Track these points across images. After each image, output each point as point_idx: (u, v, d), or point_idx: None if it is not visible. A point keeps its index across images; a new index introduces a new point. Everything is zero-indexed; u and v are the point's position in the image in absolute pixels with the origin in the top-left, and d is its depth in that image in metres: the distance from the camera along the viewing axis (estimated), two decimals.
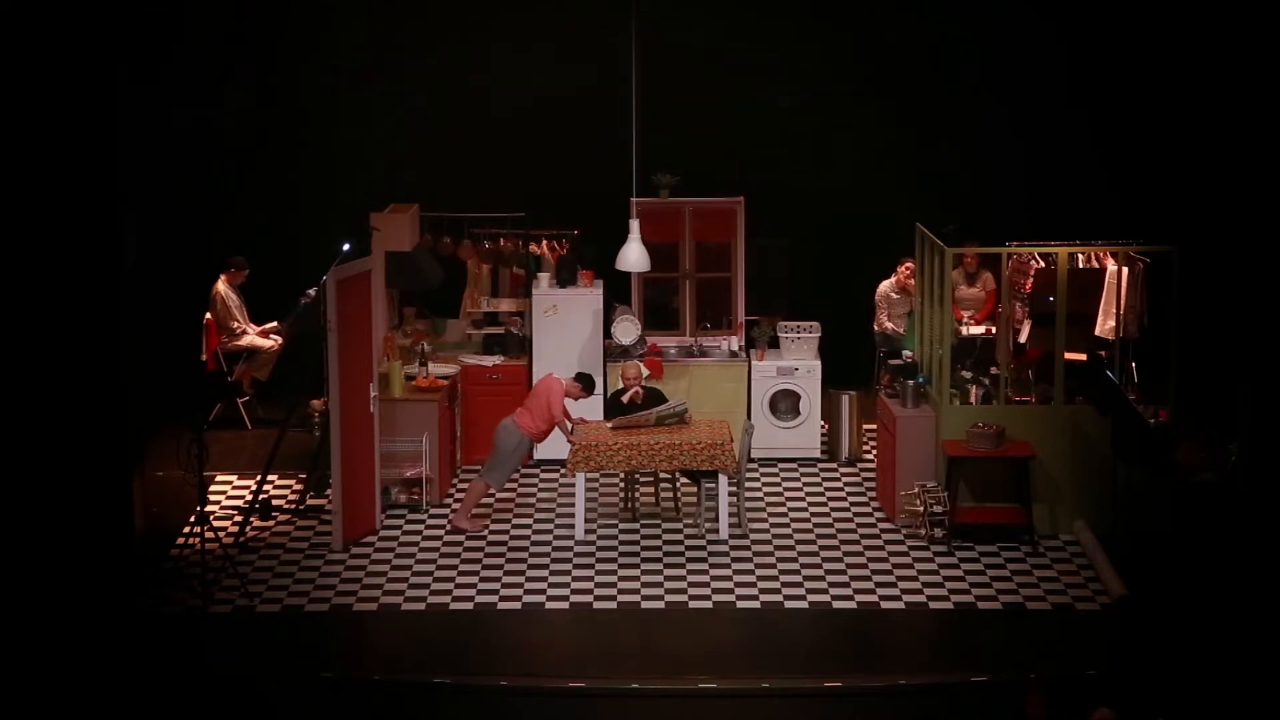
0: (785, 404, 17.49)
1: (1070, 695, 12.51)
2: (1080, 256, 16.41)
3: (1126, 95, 18.54)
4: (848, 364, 18.03)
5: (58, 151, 13.85)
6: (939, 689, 13.02)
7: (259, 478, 16.54)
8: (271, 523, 15.99)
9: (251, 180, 19.06)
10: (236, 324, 18.36)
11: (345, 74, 18.98)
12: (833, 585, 14.70)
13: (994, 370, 16.02)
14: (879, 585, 14.68)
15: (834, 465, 17.49)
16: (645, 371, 16.74)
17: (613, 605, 14.39)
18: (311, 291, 16.89)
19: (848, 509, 16.38)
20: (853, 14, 18.94)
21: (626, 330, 17.48)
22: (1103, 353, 15.97)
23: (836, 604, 14.38)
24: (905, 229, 17.02)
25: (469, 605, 14.37)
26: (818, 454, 17.59)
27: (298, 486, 16.74)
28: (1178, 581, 14.32)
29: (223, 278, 18.40)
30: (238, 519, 15.85)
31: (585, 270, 17.66)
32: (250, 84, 19.08)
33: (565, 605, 14.38)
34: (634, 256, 16.47)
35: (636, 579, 14.83)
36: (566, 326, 17.38)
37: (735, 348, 17.85)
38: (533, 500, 16.60)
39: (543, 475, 17.17)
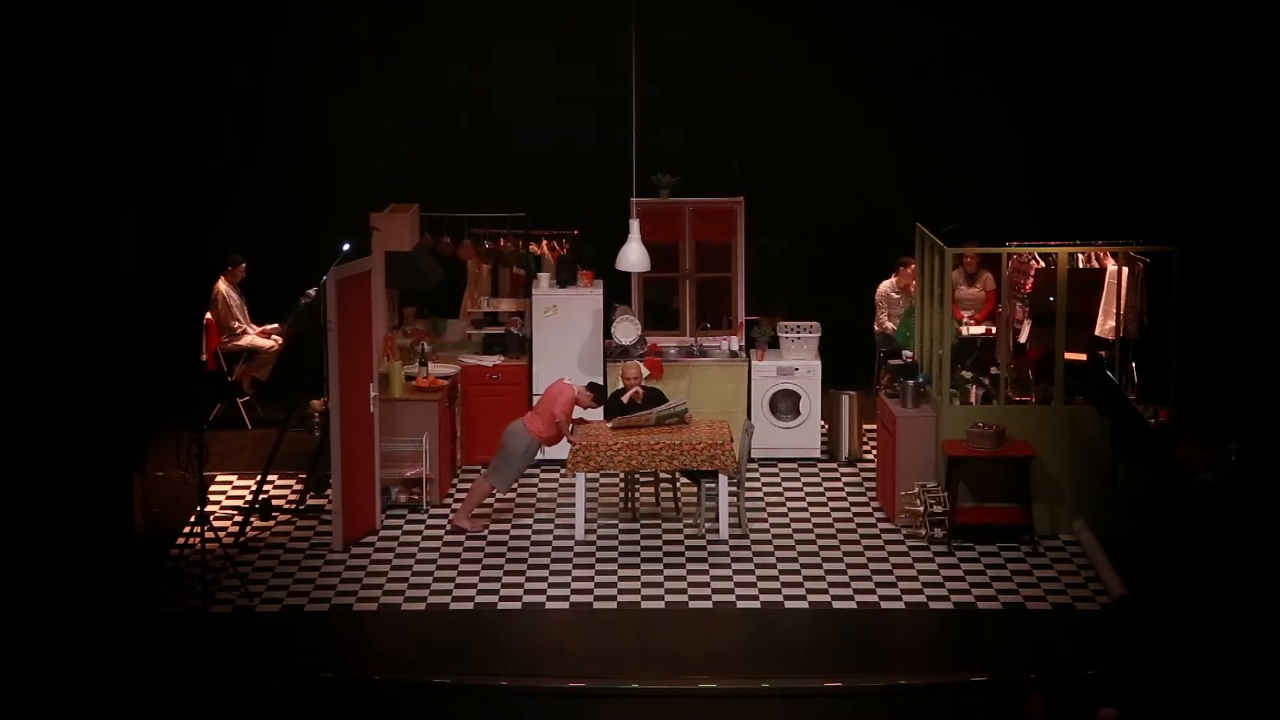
0: (785, 404, 17.49)
1: (1070, 695, 12.52)
2: (1080, 256, 16.42)
3: (1126, 95, 18.54)
4: (848, 364, 18.03)
5: (58, 151, 13.85)
6: (939, 689, 13.02)
7: (259, 478, 16.54)
8: (271, 523, 15.99)
9: (251, 180, 19.06)
10: (237, 323, 18.36)
11: (345, 74, 18.98)
12: (833, 585, 14.70)
13: (994, 370, 16.02)
14: (879, 585, 14.69)
15: (834, 465, 17.49)
16: (645, 371, 16.74)
17: (613, 605, 14.39)
18: (311, 291, 16.90)
19: (848, 509, 16.38)
20: (853, 14, 18.94)
21: (626, 330, 17.48)
22: (1103, 353, 15.97)
23: (836, 604, 14.38)
24: (905, 229, 17.03)
25: (469, 605, 14.37)
26: (818, 454, 17.59)
27: (298, 486, 16.74)
28: (1178, 581, 14.32)
29: (223, 277, 18.41)
30: (238, 519, 15.86)
31: (585, 270, 17.66)
32: (250, 83, 19.08)
33: (565, 605, 14.38)
34: (634, 256, 16.47)
35: (636, 579, 14.83)
36: (566, 326, 17.38)
37: (735, 348, 17.85)
38: (533, 500, 16.60)
39: (543, 475, 17.17)
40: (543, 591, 14.61)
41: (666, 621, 14.15)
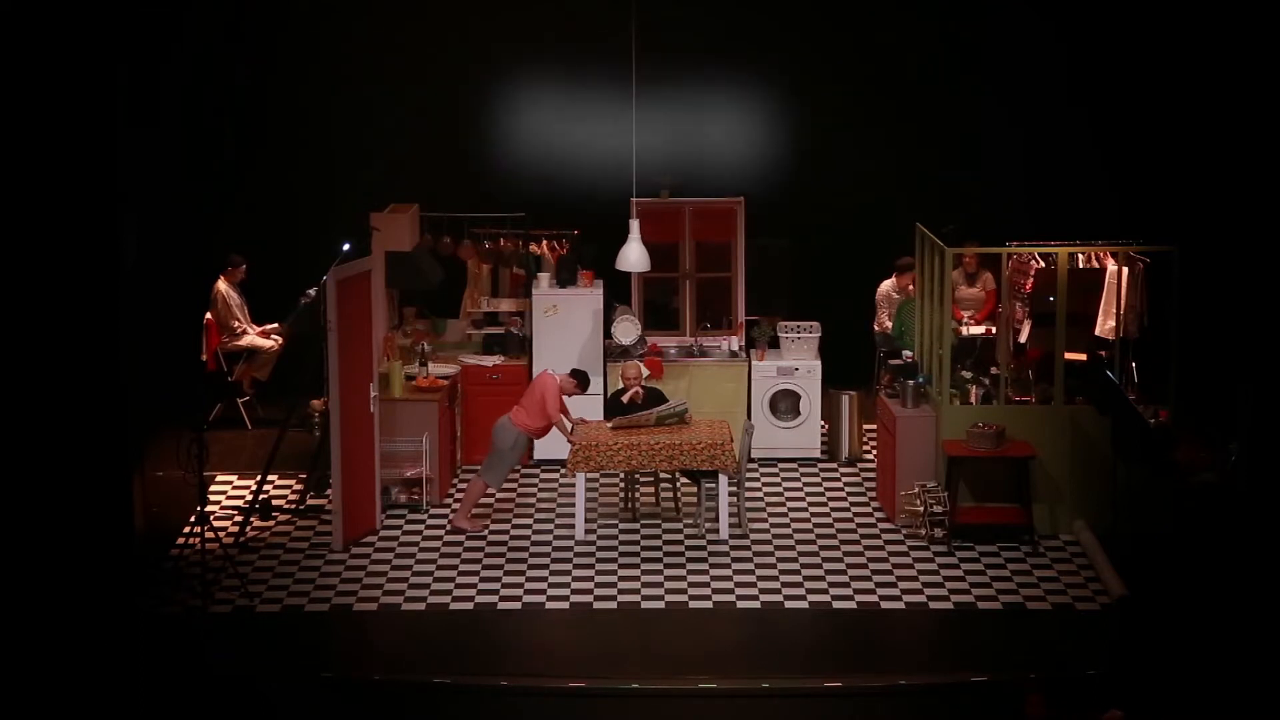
0: (785, 404, 17.49)
1: (1070, 695, 12.52)
2: (1080, 256, 16.42)
3: (1126, 95, 18.54)
4: (848, 364, 18.03)
5: (58, 152, 13.85)
6: (939, 689, 13.02)
7: (259, 478, 16.54)
8: (271, 523, 15.99)
9: (251, 180, 19.06)
10: (237, 323, 18.37)
11: (345, 74, 18.98)
12: (833, 585, 14.70)
13: (994, 370, 16.02)
14: (879, 585, 14.69)
15: (834, 465, 17.49)
16: (645, 371, 16.74)
17: (613, 605, 14.39)
18: (311, 291, 16.90)
19: (848, 509, 16.38)
20: (853, 14, 18.94)
21: (626, 330, 17.48)
22: (1103, 353, 15.97)
23: (836, 604, 14.38)
24: (905, 229, 17.03)
25: (469, 605, 14.38)
26: (818, 454, 17.59)
27: (298, 486, 16.74)
28: (1178, 581, 14.32)
29: (223, 277, 18.41)
30: (238, 519, 15.86)
31: (585, 270, 17.66)
32: (250, 83, 19.08)
33: (565, 605, 14.38)
34: (634, 256, 16.47)
35: (636, 579, 14.83)
36: (566, 326, 17.38)
37: (735, 348, 17.85)
38: (533, 500, 16.60)
39: (543, 475, 17.17)
40: (543, 591, 14.61)
41: (666, 621, 14.15)
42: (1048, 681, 12.56)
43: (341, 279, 15.27)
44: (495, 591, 14.61)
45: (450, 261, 18.07)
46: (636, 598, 14.49)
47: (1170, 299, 15.56)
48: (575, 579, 14.84)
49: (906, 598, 14.45)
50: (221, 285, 18.37)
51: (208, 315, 18.41)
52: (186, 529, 14.90)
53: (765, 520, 16.08)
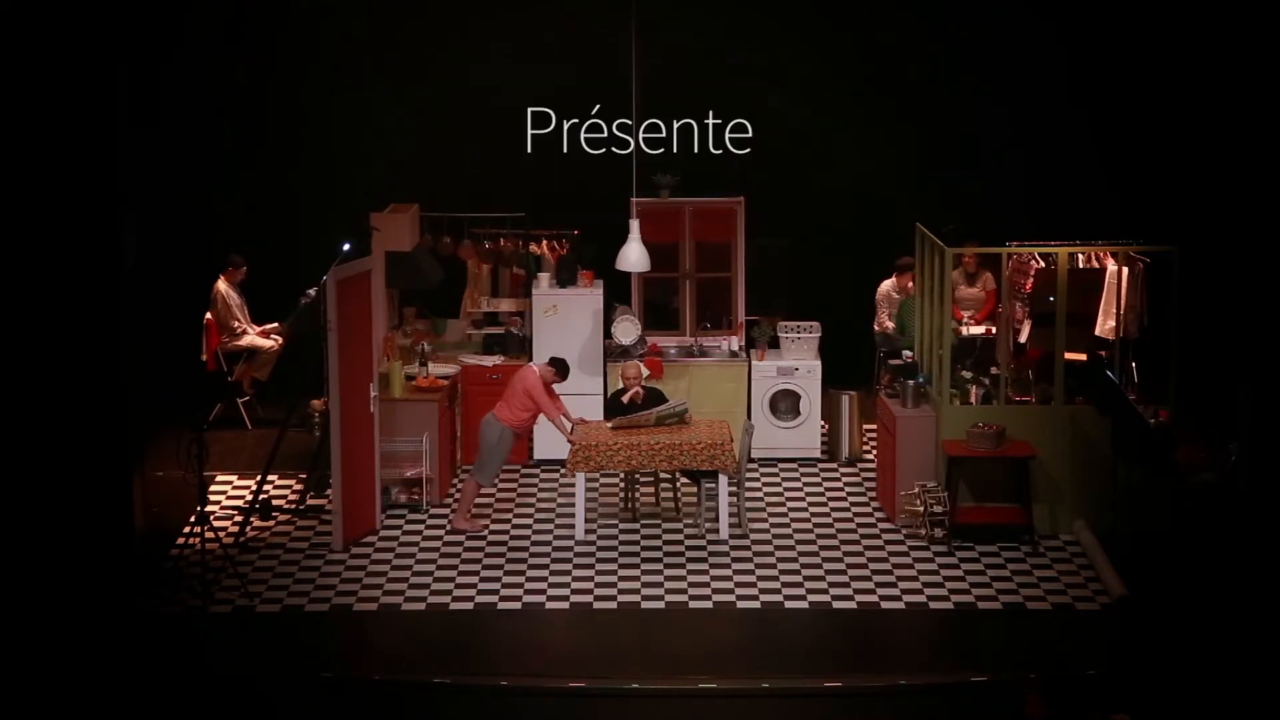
0: (785, 404, 17.49)
1: (1070, 695, 12.51)
2: (1080, 256, 16.42)
3: (1126, 95, 18.54)
4: (848, 364, 18.03)
5: (58, 152, 13.85)
6: (939, 689, 13.02)
7: (259, 478, 16.54)
8: (271, 523, 15.99)
9: (251, 180, 19.06)
10: (237, 323, 18.37)
11: (345, 74, 18.98)
12: (833, 585, 14.70)
13: (994, 370, 16.02)
14: (879, 585, 14.69)
15: (834, 465, 17.49)
16: (645, 371, 16.74)
17: (613, 605, 14.39)
18: (311, 291, 16.90)
19: (848, 509, 16.38)
20: (852, 14, 18.94)
21: (626, 330, 17.48)
22: (1103, 353, 15.97)
23: (836, 604, 14.38)
24: (905, 229, 17.03)
25: (469, 605, 14.37)
26: (818, 454, 17.59)
27: (298, 486, 16.74)
28: (1178, 581, 14.32)
29: (223, 277, 18.41)
30: (238, 519, 15.86)
31: (585, 270, 17.66)
32: (250, 83, 19.08)
33: (565, 605, 14.38)
34: (634, 256, 16.48)
35: (636, 579, 14.83)
36: (566, 326, 17.38)
37: (735, 348, 17.85)
38: (533, 500, 16.61)
39: (543, 475, 17.17)
40: (543, 591, 14.61)
41: (666, 621, 14.15)
42: (1047, 681, 12.56)
43: (341, 279, 15.27)
44: (495, 591, 14.61)
45: (450, 261, 18.07)
46: (636, 598, 14.49)
47: (1170, 299, 15.56)
48: (575, 579, 14.84)
49: (906, 598, 14.45)
50: (221, 285, 18.38)
51: (208, 315, 18.41)
52: (186, 529, 14.90)
53: (765, 520, 16.08)
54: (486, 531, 15.81)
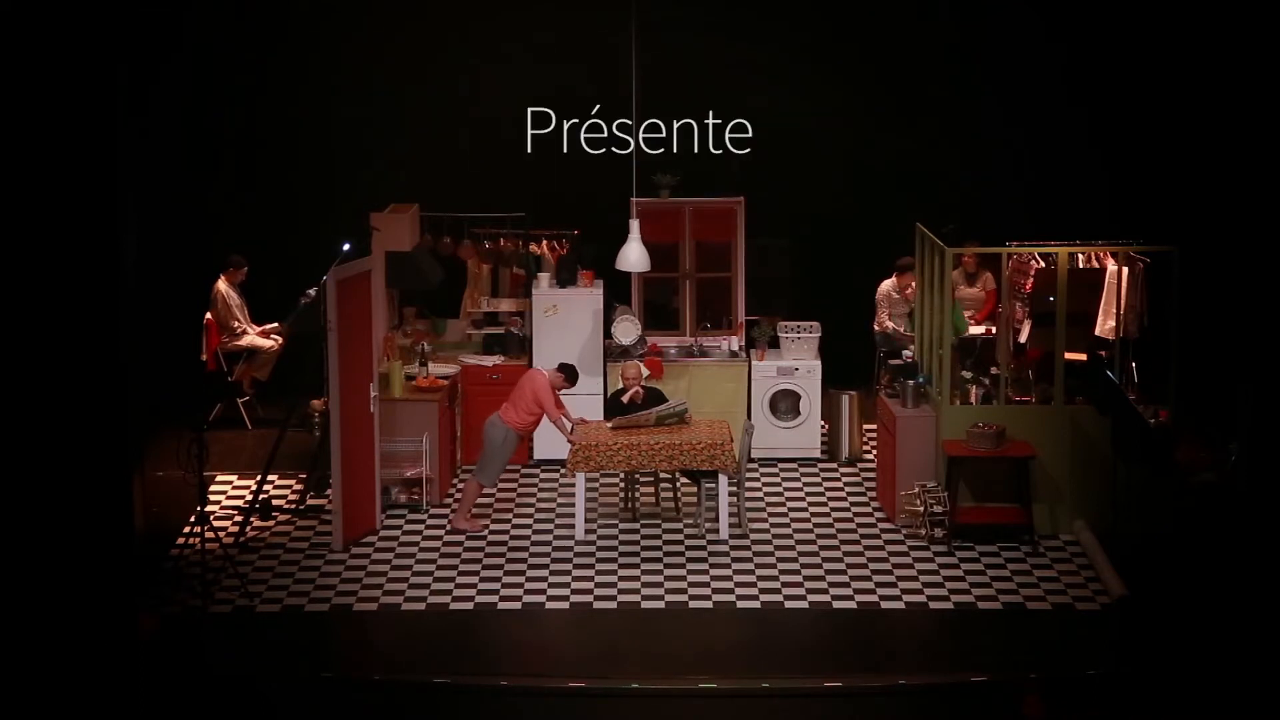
0: (785, 404, 17.50)
1: (1070, 695, 12.52)
2: (1080, 256, 16.42)
3: (1126, 95, 18.54)
4: (848, 364, 18.03)
5: (58, 152, 13.84)
6: (939, 689, 13.02)
7: (259, 478, 16.55)
8: (271, 523, 15.99)
9: (251, 180, 19.07)
10: (237, 323, 18.37)
11: (345, 74, 18.98)
12: (833, 585, 14.70)
13: (994, 370, 16.02)
14: (879, 585, 14.69)
15: (834, 465, 17.49)
16: (645, 371, 16.74)
17: (613, 605, 14.39)
18: (311, 291, 16.89)
19: (848, 509, 16.39)
20: (853, 14, 18.94)
21: (626, 330, 17.49)
22: (1103, 353, 15.97)
23: (836, 604, 14.38)
24: (905, 229, 17.03)
25: (469, 605, 14.38)
26: (818, 454, 17.60)
27: (298, 486, 16.74)
28: (1178, 581, 14.33)
29: (223, 277, 18.42)
30: (238, 519, 15.86)
31: (585, 270, 17.66)
32: (250, 84, 19.08)
33: (565, 605, 14.38)
34: (634, 256, 16.48)
35: (636, 579, 14.83)
36: (566, 326, 17.38)
37: (735, 348, 17.85)
38: (533, 500, 16.61)
39: (543, 475, 17.17)
40: (543, 591, 14.61)
41: (666, 621, 14.15)
42: (1048, 681, 12.56)
43: (341, 279, 15.27)
44: (495, 591, 14.61)
45: (450, 261, 18.07)
46: (636, 598, 14.49)
47: (1170, 299, 15.56)
48: (575, 579, 14.84)
49: (906, 598, 14.45)
50: (221, 285, 18.38)
51: (208, 315, 18.41)
52: (186, 529, 14.90)
53: (765, 520, 16.08)
54: (486, 531, 15.82)
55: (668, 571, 15.00)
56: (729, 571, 14.99)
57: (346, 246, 15.84)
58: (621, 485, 16.45)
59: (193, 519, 14.47)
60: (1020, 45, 18.78)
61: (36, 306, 13.88)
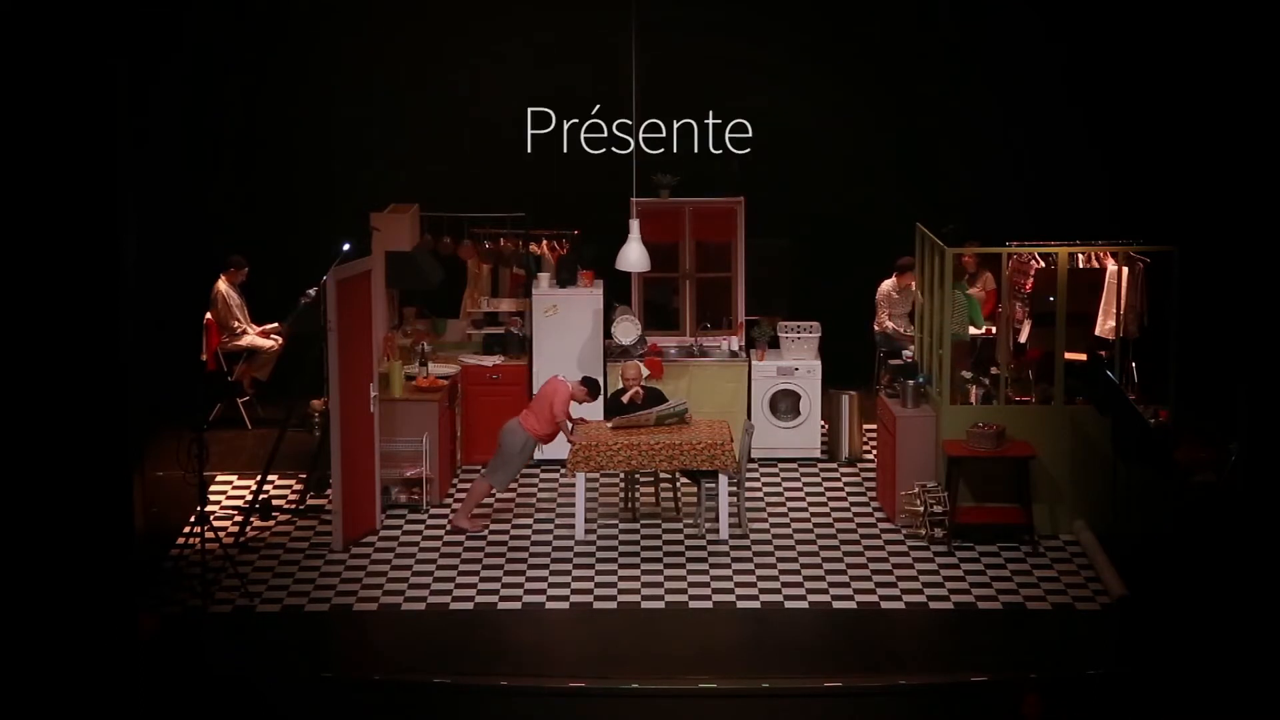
0: (785, 404, 17.50)
1: (1070, 695, 12.52)
2: (1080, 256, 16.42)
3: (1126, 95, 18.55)
4: (848, 364, 18.03)
5: (58, 151, 13.85)
6: (939, 689, 13.02)
7: (259, 478, 16.55)
8: (271, 523, 15.99)
9: (251, 180, 19.07)
10: (237, 323, 18.37)
11: (345, 74, 18.99)
12: (833, 585, 14.70)
13: (994, 370, 16.02)
14: (879, 585, 14.69)
15: (834, 465, 17.49)
16: (645, 371, 16.74)
17: (613, 605, 14.39)
18: (311, 291, 16.89)
19: (848, 509, 16.39)
20: (853, 14, 18.94)
21: (626, 330, 17.49)
22: (1103, 353, 15.97)
23: (836, 604, 14.38)
24: (905, 229, 17.03)
25: (469, 605, 14.38)
26: (818, 454, 17.60)
27: (298, 486, 16.74)
28: (1178, 581, 14.33)
29: (223, 277, 18.42)
30: (238, 519, 15.86)
31: (585, 270, 17.66)
32: (250, 83, 19.09)
33: (565, 605, 14.38)
34: (634, 256, 16.48)
35: (636, 579, 14.83)
36: (566, 326, 17.38)
37: (735, 348, 17.85)
38: (533, 500, 16.61)
39: (543, 475, 17.17)
40: (543, 591, 14.61)
41: (666, 621, 14.15)
42: (1047, 682, 12.56)
43: (341, 279, 15.27)
44: (495, 591, 14.61)
45: (450, 261, 18.07)
46: (636, 598, 14.49)
47: (1170, 299, 15.56)
48: (575, 579, 14.84)
49: (906, 598, 14.45)
50: (221, 285, 18.38)
51: (208, 315, 18.42)
52: (186, 529, 14.90)
53: (765, 520, 16.08)
54: (486, 531, 15.82)
55: (668, 571, 15.00)
56: (729, 571, 14.99)
57: (346, 246, 15.84)
58: (621, 485, 16.45)
59: (193, 519, 14.47)
60: (1020, 45, 18.79)
61: (37, 307, 13.88)
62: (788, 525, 15.98)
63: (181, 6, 17.94)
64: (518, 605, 14.37)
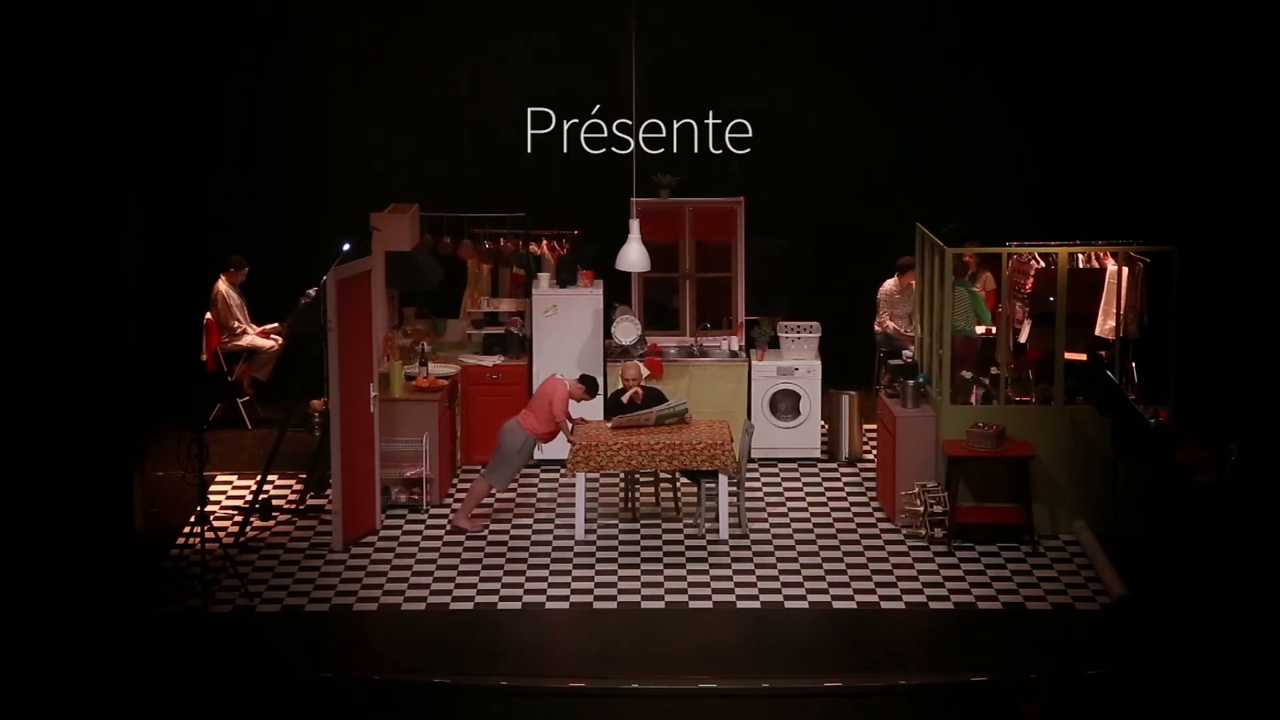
0: (785, 404, 17.50)
1: (1070, 695, 12.52)
2: (1080, 256, 16.42)
3: (1126, 95, 18.55)
4: (848, 364, 18.03)
5: (58, 151, 13.86)
6: (939, 689, 13.02)
7: (259, 478, 16.54)
8: (271, 523, 15.99)
9: (251, 180, 19.07)
10: (237, 323, 18.37)
11: (345, 74, 18.99)
12: (833, 585, 14.70)
13: (994, 370, 16.02)
14: (879, 585, 14.69)
15: (834, 465, 17.49)
16: (645, 371, 16.74)
17: (613, 605, 14.39)
18: (311, 291, 16.90)
19: (848, 509, 16.39)
20: (853, 14, 18.95)
21: (626, 330, 17.49)
22: (1103, 353, 15.97)
23: (836, 604, 14.38)
24: (905, 229, 17.03)
25: (469, 605, 14.38)
26: (818, 454, 17.60)
27: (298, 486, 16.74)
28: (1178, 581, 14.33)
29: (223, 277, 18.42)
30: (238, 519, 15.86)
31: (585, 270, 17.66)
32: (250, 83, 19.09)
33: (565, 605, 14.38)
34: (634, 256, 16.48)
35: (636, 579, 14.83)
36: (566, 326, 17.38)
37: (735, 348, 17.85)
38: (533, 500, 16.61)
39: (543, 475, 17.17)
40: (543, 591, 14.61)
41: (666, 621, 14.15)
42: (1047, 682, 12.56)
43: (341, 279, 15.27)
44: (495, 591, 14.61)
45: (450, 261, 18.07)
46: (636, 598, 14.49)
47: (1170, 299, 15.56)
48: (575, 579, 14.84)
49: (906, 598, 14.45)
50: (221, 285, 18.38)
51: (208, 315, 18.42)
52: (186, 529, 14.90)
53: (765, 520, 16.08)
54: (486, 531, 15.82)
55: (668, 571, 15.00)
56: (729, 571, 14.99)
57: (346, 246, 15.84)
58: (621, 485, 16.45)
59: (193, 519, 14.47)
60: (1020, 45, 18.79)
61: (37, 307, 13.89)
62: (788, 525, 15.98)
63: (181, 6, 17.94)
64: (518, 605, 14.37)
